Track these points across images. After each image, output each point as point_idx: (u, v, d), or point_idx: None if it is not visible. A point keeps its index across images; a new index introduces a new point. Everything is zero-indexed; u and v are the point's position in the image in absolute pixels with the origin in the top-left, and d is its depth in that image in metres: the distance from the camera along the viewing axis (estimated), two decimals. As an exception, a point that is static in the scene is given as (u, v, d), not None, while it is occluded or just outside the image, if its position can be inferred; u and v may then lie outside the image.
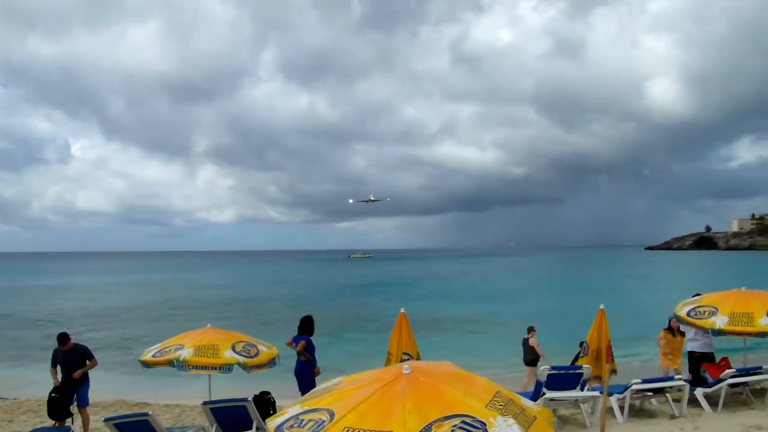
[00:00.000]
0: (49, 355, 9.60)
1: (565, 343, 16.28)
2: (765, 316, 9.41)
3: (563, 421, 9.66)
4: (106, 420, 8.27)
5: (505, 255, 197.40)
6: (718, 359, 11.01)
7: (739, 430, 8.52)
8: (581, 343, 10.90)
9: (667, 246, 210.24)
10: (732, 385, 10.01)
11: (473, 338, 25.91)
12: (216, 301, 45.52)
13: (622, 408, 9.58)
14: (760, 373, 10.17)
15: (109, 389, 14.41)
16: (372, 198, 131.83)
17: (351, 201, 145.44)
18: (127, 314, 37.29)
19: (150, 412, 8.65)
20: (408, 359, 9.59)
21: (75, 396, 9.40)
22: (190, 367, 8.77)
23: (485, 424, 3.41)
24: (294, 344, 9.84)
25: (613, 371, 9.96)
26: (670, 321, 11.45)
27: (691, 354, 11.23)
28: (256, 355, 9.23)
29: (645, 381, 9.73)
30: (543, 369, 9.54)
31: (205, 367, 8.85)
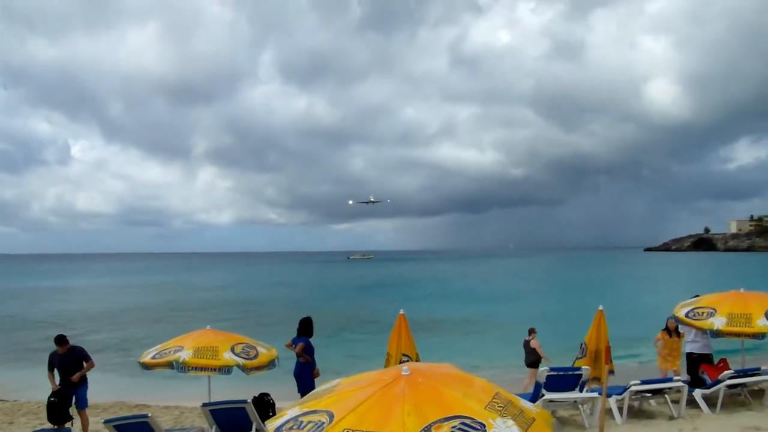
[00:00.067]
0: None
1: (564, 345, 16.33)
2: (763, 317, 9.45)
3: (562, 422, 9.68)
4: (106, 422, 8.27)
5: (504, 256, 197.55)
6: (716, 360, 11.04)
7: (737, 431, 8.55)
8: (582, 345, 10.91)
9: (665, 247, 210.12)
10: (730, 386, 10.01)
11: (472, 339, 25.91)
12: (215, 303, 45.47)
13: (620, 409, 9.59)
14: (759, 375, 10.16)
15: (108, 391, 14.43)
16: (372, 199, 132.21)
17: (351, 202, 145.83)
18: (126, 316, 37.27)
19: (150, 414, 8.67)
20: (407, 361, 9.60)
21: (74, 398, 9.40)
22: (190, 368, 8.79)
23: (484, 426, 3.43)
24: (293, 346, 9.85)
25: (611, 372, 9.97)
26: (667, 322, 11.47)
27: (689, 355, 11.26)
28: (256, 356, 9.25)
29: (644, 382, 9.73)
30: (542, 370, 9.55)
31: (204, 369, 8.88)
